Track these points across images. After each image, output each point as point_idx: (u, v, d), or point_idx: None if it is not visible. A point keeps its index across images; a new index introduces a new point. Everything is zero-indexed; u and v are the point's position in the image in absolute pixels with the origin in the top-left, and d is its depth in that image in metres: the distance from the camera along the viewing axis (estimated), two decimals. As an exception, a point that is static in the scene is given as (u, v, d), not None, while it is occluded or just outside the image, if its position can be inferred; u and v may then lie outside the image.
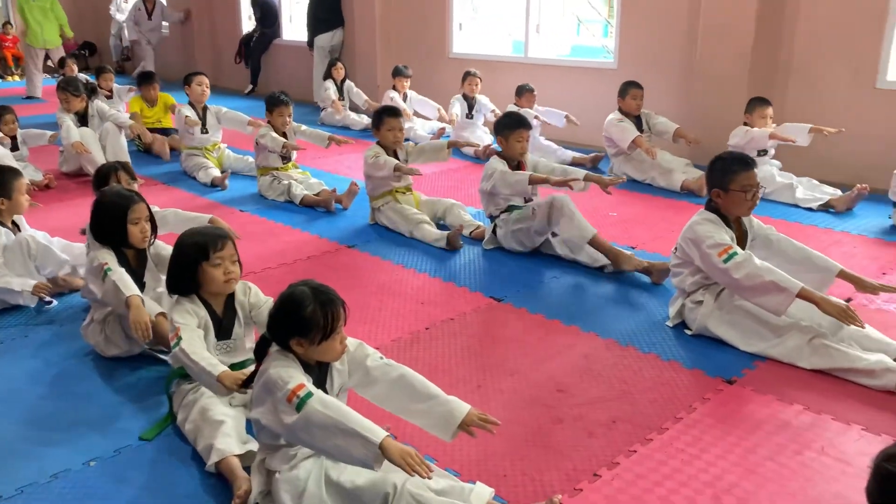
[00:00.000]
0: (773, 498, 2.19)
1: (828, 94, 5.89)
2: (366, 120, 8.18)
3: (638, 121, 6.02)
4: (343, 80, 8.65)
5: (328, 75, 8.67)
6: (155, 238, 3.13)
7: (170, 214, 3.50)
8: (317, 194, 5.27)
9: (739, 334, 3.10)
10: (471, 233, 4.58)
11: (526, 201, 4.30)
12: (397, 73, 7.84)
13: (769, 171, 5.41)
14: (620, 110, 6.02)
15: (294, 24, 11.05)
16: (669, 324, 3.35)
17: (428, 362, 3.03)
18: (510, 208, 4.31)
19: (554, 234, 4.17)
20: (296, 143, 5.43)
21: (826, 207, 5.13)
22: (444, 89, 8.00)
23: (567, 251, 4.18)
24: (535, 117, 6.54)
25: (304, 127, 5.63)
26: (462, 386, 2.84)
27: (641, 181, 5.85)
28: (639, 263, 3.87)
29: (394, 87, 7.79)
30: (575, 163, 6.40)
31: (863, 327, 2.88)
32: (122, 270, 2.92)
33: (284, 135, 5.45)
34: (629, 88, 5.99)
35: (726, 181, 3.11)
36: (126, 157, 5.79)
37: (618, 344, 3.20)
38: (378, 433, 1.86)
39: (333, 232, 4.70)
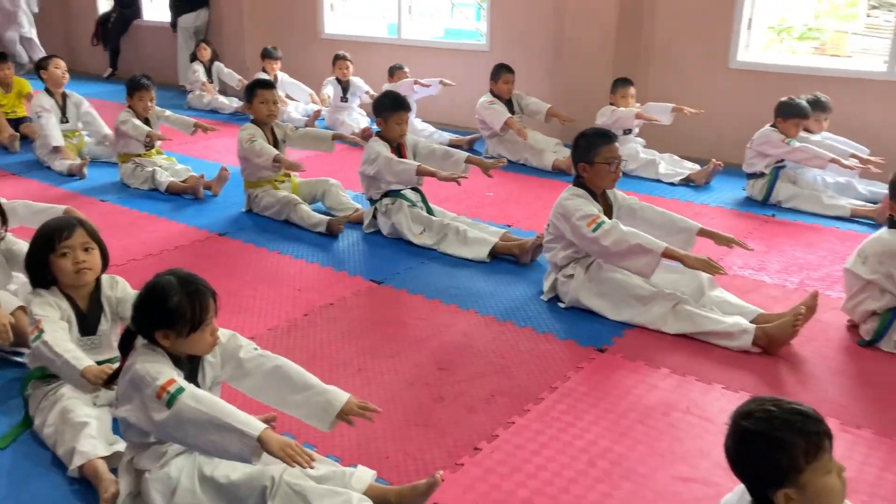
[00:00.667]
0: (644, 458, 2.30)
1: (686, 75, 6.21)
2: (236, 103, 7.89)
3: (510, 103, 6.13)
4: (211, 62, 8.31)
5: (195, 57, 8.30)
6: (5, 232, 2.88)
7: (19, 206, 3.23)
8: (184, 181, 5.03)
9: (609, 304, 3.22)
10: (349, 216, 4.52)
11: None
12: (266, 55, 7.60)
13: (633, 149, 5.66)
14: (492, 93, 6.11)
15: (155, 3, 10.47)
16: (544, 298, 3.44)
17: (307, 349, 2.96)
18: (390, 192, 4.27)
19: (423, 231, 4.15)
20: (160, 133, 5.15)
21: (686, 181, 5.42)
22: (317, 71, 7.84)
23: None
24: (416, 82, 6.55)
25: (168, 112, 5.37)
26: (342, 371, 2.80)
27: (515, 161, 5.96)
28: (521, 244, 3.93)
29: (263, 70, 7.53)
30: (452, 144, 6.45)
31: (725, 273, 3.05)
32: None
33: (147, 121, 5.17)
34: (501, 72, 6.09)
35: (591, 155, 3.23)
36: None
37: (496, 320, 3.25)
38: (256, 426, 1.79)
39: (203, 220, 4.51)
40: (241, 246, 4.11)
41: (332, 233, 4.26)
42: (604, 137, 3.27)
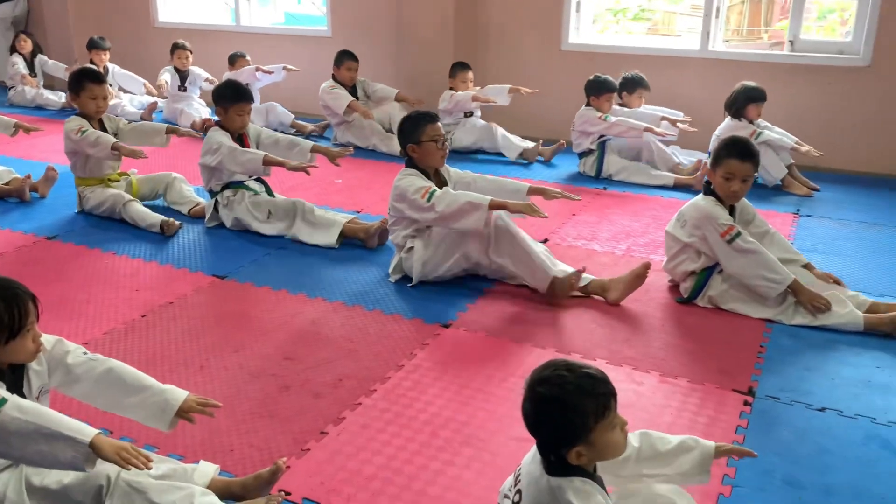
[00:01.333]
0: (484, 424, 2.41)
1: (523, 58, 6.46)
2: (64, 98, 7.39)
3: (353, 90, 6.13)
4: (33, 54, 7.73)
5: (14, 49, 7.70)
6: None
7: None
8: (6, 183, 4.68)
9: (446, 268, 3.40)
10: (189, 210, 4.37)
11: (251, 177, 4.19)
12: (93, 45, 7.19)
13: (475, 125, 5.85)
14: (334, 79, 6.10)
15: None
16: (392, 279, 3.51)
17: (145, 351, 2.86)
18: (232, 184, 4.17)
19: (270, 214, 4.11)
20: None
21: (523, 158, 5.66)
22: (153, 61, 7.51)
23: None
24: (257, 68, 6.43)
25: None
26: (183, 370, 2.73)
27: (364, 148, 5.98)
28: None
29: (91, 62, 7.09)
30: (299, 132, 6.39)
31: (546, 217, 3.22)
32: None
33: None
34: (344, 59, 6.08)
35: (417, 135, 3.34)
36: None
37: (345, 305, 3.28)
38: (87, 432, 1.72)
39: (29, 224, 4.22)
40: (73, 249, 3.88)
41: (166, 233, 4.09)
42: (427, 117, 3.40)
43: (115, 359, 2.03)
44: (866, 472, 2.21)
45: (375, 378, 2.68)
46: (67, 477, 1.85)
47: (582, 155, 5.35)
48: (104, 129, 4.33)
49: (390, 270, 3.54)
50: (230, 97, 4.10)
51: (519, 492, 1.65)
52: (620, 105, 5.40)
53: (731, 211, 3.27)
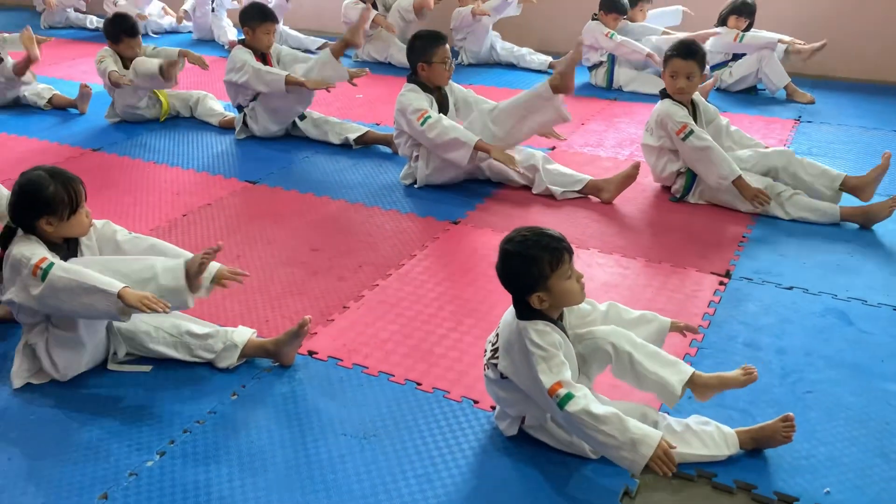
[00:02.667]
0: (485, 299, 2.75)
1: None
2: (97, 22, 7.64)
3: (374, 6, 6.29)
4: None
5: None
6: None
7: None
8: (49, 100, 5.02)
9: (446, 178, 3.68)
10: (218, 122, 4.69)
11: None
12: None
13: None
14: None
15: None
16: (405, 183, 3.81)
17: (187, 244, 3.19)
18: (258, 96, 4.45)
19: (302, 117, 4.41)
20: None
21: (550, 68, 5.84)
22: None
23: (316, 133, 4.45)
24: None
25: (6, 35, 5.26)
26: (222, 259, 2.96)
27: (383, 60, 6.20)
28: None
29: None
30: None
31: (519, 170, 3.51)
32: None
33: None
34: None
35: (428, 55, 3.56)
36: None
37: (364, 206, 3.60)
38: (116, 285, 2.05)
39: (73, 138, 4.57)
40: (116, 159, 4.24)
41: (165, 78, 4.32)
42: (437, 39, 3.61)
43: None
44: (818, 337, 2.52)
45: (391, 265, 3.02)
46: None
47: (592, 68, 5.52)
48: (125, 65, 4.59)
49: (401, 176, 3.84)
50: (257, 17, 4.34)
51: (497, 335, 1.99)
52: (626, 19, 5.50)
53: (695, 112, 3.50)
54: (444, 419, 2.16)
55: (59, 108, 5.03)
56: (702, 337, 2.51)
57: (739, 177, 3.31)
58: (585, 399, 1.78)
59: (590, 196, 3.60)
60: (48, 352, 2.26)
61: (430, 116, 3.50)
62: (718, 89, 5.35)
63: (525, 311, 1.91)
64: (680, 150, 3.43)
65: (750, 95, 5.30)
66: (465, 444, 2.06)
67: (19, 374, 2.30)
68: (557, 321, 1.95)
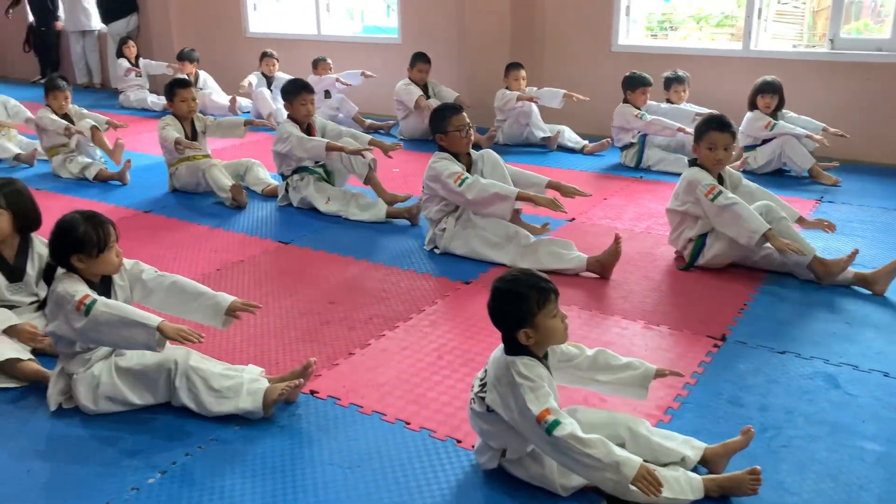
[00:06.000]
0: (485, 351, 2.86)
1: (574, 58, 6.89)
2: (164, 101, 8.28)
3: (425, 89, 6.73)
4: (137, 58, 8.72)
5: (120, 54, 8.71)
6: None
7: None
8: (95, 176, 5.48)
9: (474, 248, 3.83)
10: (263, 190, 5.04)
11: (316, 163, 4.78)
12: (182, 56, 8.07)
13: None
14: (410, 79, 6.72)
15: (89, 11, 10.74)
16: (426, 248, 4.02)
17: (217, 293, 3.48)
18: (300, 169, 4.80)
19: (328, 200, 4.69)
20: (80, 127, 5.53)
21: (545, 143, 6.17)
22: (243, 68, 8.30)
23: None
24: (337, 80, 7.13)
25: (85, 111, 5.81)
26: None
27: (425, 140, 6.55)
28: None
29: (180, 72, 7.97)
30: (373, 128, 7.04)
31: (566, 212, 3.69)
32: None
33: (66, 117, 5.60)
34: (417, 61, 6.71)
35: (444, 126, 3.81)
36: None
37: (384, 265, 3.82)
38: (154, 319, 2.32)
39: (130, 201, 4.98)
40: (164, 220, 4.59)
41: (234, 197, 4.75)
42: (452, 109, 3.86)
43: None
44: (802, 397, 2.56)
45: (400, 318, 3.20)
46: (146, 359, 2.46)
47: (623, 148, 5.73)
48: (194, 128, 5.07)
49: (426, 242, 4.05)
50: (293, 90, 4.75)
51: (485, 371, 2.13)
52: (667, 101, 5.74)
53: (721, 181, 3.63)
54: (427, 455, 2.28)
55: (102, 181, 5.46)
56: (687, 393, 2.59)
57: (769, 230, 3.40)
58: (572, 425, 1.92)
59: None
60: (94, 396, 2.48)
61: (467, 177, 3.70)
62: (746, 171, 5.47)
63: (513, 347, 2.06)
64: (708, 212, 3.53)
65: (776, 177, 5.40)
66: (443, 478, 2.18)
67: (53, 396, 2.53)
68: (542, 359, 2.08)
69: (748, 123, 5.33)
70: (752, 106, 5.30)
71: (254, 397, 2.45)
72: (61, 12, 10.45)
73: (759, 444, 2.29)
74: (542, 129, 6.30)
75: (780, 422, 2.42)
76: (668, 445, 2.12)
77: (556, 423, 1.91)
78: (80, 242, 2.40)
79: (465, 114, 3.85)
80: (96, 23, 10.17)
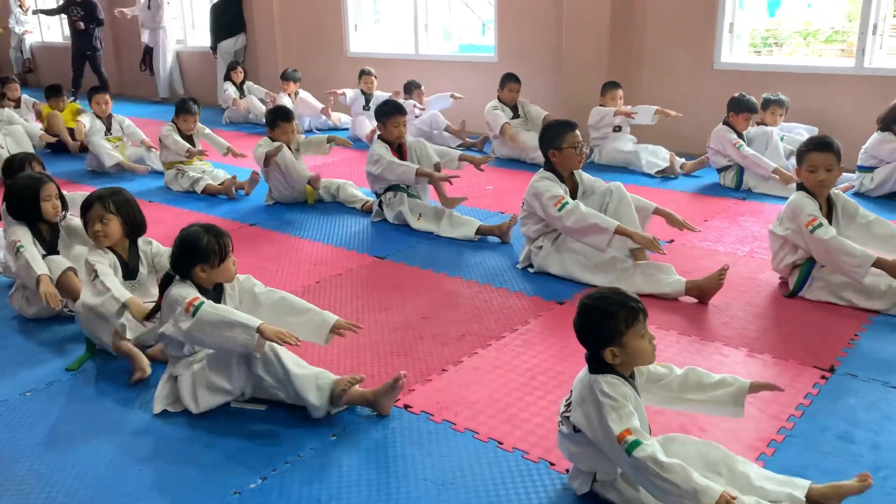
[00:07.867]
0: (577, 371, 2.85)
1: (673, 77, 6.75)
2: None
3: (514, 109, 6.75)
4: (243, 82, 9.13)
5: (227, 77, 9.14)
6: (66, 213, 3.58)
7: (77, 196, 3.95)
8: (220, 184, 5.75)
9: (569, 270, 3.79)
10: (362, 206, 5.17)
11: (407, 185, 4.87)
12: (285, 76, 8.37)
13: (625, 145, 6.22)
14: (499, 99, 6.74)
15: (198, 30, 11.37)
16: (519, 266, 4.01)
17: (317, 305, 3.58)
18: (392, 187, 4.89)
19: (420, 217, 4.75)
20: (200, 150, 5.90)
21: (664, 173, 5.92)
22: (342, 87, 8.54)
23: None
24: (414, 105, 7.27)
25: (208, 130, 6.13)
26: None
27: (517, 159, 6.56)
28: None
29: (283, 90, 8.29)
30: (466, 146, 7.10)
31: (664, 253, 3.59)
32: (34, 248, 3.37)
33: (190, 137, 5.92)
34: (507, 81, 6.73)
35: (558, 142, 3.77)
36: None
37: (477, 283, 3.84)
38: (254, 321, 2.42)
39: (235, 214, 5.20)
40: (268, 233, 4.78)
41: (312, 188, 5.11)
42: (567, 125, 3.81)
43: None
44: (921, 437, 2.41)
45: (493, 336, 3.21)
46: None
47: (721, 170, 5.56)
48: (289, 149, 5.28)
49: (520, 259, 4.04)
50: (386, 112, 4.84)
51: (570, 391, 2.11)
52: (759, 123, 5.54)
53: (831, 207, 3.47)
54: (520, 476, 2.27)
55: (210, 194, 5.71)
56: (792, 426, 2.48)
57: (877, 259, 3.23)
58: (652, 447, 1.87)
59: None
60: (194, 390, 2.61)
61: (567, 202, 3.66)
62: (858, 193, 5.21)
63: (598, 366, 2.03)
64: (809, 243, 3.40)
65: (892, 201, 5.12)
66: (535, 499, 2.17)
67: (160, 400, 2.67)
68: (629, 378, 2.05)
69: (876, 145, 5.07)
70: (887, 127, 5.02)
71: (321, 392, 2.52)
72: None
73: (873, 484, 2.16)
74: (656, 164, 6.03)
75: (894, 462, 2.28)
76: (768, 487, 2.02)
77: (637, 443, 1.87)
78: (204, 253, 2.55)
79: (578, 131, 3.82)
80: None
